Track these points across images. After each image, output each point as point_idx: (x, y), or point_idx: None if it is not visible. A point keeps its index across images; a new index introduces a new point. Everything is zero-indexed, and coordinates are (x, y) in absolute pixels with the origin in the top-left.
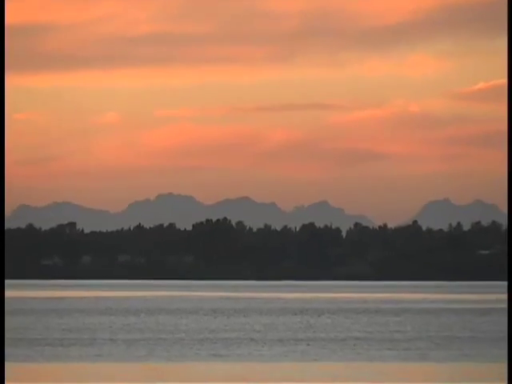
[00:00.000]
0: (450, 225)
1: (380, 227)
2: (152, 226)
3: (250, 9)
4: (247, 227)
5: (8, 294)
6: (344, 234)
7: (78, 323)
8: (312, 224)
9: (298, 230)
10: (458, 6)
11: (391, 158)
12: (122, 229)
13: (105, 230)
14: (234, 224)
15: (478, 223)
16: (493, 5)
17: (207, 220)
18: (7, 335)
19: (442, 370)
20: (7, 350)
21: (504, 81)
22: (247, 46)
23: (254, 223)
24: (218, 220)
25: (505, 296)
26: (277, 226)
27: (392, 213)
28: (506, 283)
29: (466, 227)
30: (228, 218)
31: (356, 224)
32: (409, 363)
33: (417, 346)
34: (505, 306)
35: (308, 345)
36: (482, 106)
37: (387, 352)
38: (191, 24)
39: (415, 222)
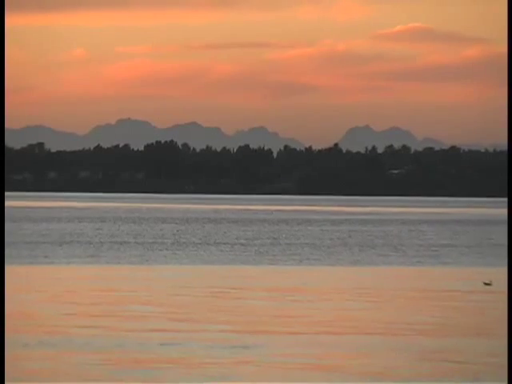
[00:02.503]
0: (365, 148)
1: (306, 149)
2: (109, 146)
3: None
4: (191, 148)
5: None
6: (275, 154)
7: (47, 229)
8: (247, 146)
9: (235, 151)
10: None
11: (320, 89)
12: (84, 148)
13: (69, 150)
14: (180, 145)
15: (391, 146)
16: None
17: (157, 142)
18: None
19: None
20: None
21: (419, 24)
22: None
23: (199, 145)
24: (165, 142)
25: (409, 209)
26: (218, 147)
27: (319, 137)
28: (412, 198)
29: (381, 150)
30: (175, 140)
31: (285, 146)
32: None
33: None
34: (406, 217)
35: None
36: (400, 45)
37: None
38: None
39: (336, 144)
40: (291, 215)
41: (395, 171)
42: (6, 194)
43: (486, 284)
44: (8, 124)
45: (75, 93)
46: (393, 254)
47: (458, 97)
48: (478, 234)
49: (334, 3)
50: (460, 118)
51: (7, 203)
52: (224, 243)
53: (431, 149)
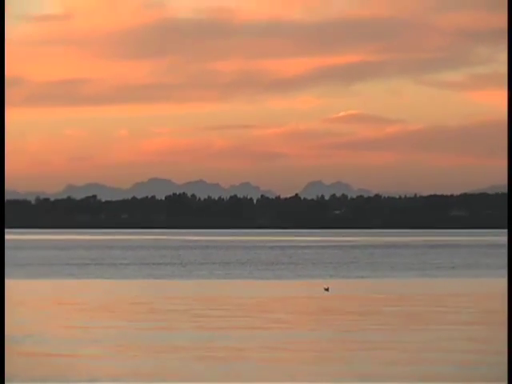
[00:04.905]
0: (317, 196)
1: (276, 197)
2: (142, 197)
3: (205, 68)
4: (198, 198)
5: (56, 237)
6: (255, 201)
7: (100, 254)
8: (236, 196)
9: (227, 199)
10: (327, 66)
11: (287, 156)
12: (124, 199)
13: (114, 200)
14: (189, 196)
15: (334, 195)
16: (348, 65)
17: (173, 193)
18: (50, 261)
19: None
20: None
21: (355, 111)
22: (203, 91)
23: (203, 195)
24: (180, 193)
25: (347, 238)
26: (216, 197)
27: (286, 189)
28: (352, 230)
29: (327, 197)
30: (187, 192)
31: (262, 195)
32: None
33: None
34: (341, 244)
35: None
36: (342, 126)
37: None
38: (171, 78)
39: (297, 194)
40: (265, 243)
41: (337, 212)
42: (73, 230)
43: (325, 289)
44: (72, 182)
45: (120, 160)
46: (296, 270)
47: (381, 160)
48: (360, 255)
49: (297, 97)
50: (382, 175)
51: (76, 236)
52: (213, 263)
53: (362, 196)
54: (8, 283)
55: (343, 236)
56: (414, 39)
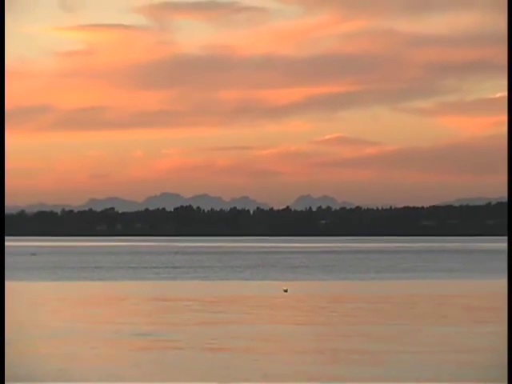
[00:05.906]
0: (306, 208)
1: (270, 209)
2: (154, 209)
3: (209, 97)
4: (202, 210)
5: (77, 243)
6: (251, 212)
7: (116, 259)
8: (235, 207)
9: (228, 211)
10: (315, 95)
11: (281, 174)
12: (138, 210)
13: (130, 211)
14: (195, 208)
15: (320, 207)
16: (333, 94)
17: (181, 206)
18: (71, 264)
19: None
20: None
21: (339, 134)
22: (207, 117)
23: (207, 207)
24: (187, 206)
25: (335, 245)
26: (218, 209)
27: (278, 201)
28: (331, 237)
29: (314, 209)
30: (192, 205)
31: (258, 207)
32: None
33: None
34: (324, 250)
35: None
36: (328, 147)
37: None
38: (179, 105)
39: (288, 206)
40: (261, 249)
41: (323, 221)
42: (92, 237)
43: (284, 291)
44: (94, 196)
45: (135, 177)
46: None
47: (362, 177)
48: (324, 260)
49: (289, 122)
50: (362, 189)
51: (95, 243)
52: (214, 267)
53: (345, 208)
54: (34, 284)
55: (328, 243)
56: (390, 72)
